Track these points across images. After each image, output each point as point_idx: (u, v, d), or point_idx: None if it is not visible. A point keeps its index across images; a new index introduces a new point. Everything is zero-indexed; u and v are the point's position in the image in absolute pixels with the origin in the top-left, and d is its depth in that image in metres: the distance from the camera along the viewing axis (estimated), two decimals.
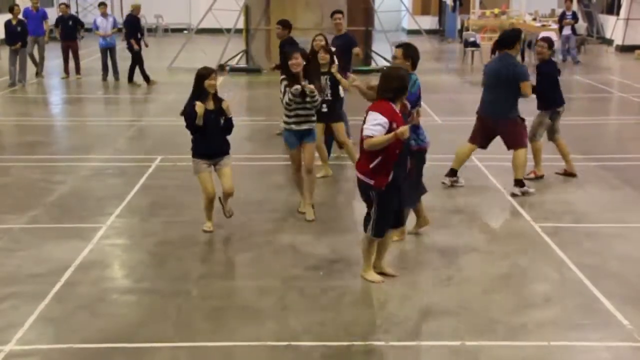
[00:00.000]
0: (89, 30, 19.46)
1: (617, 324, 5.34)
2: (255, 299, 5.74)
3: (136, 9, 16.87)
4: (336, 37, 10.88)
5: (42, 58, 17.69)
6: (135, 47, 16.47)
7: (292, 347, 5.00)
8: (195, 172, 7.13)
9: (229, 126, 7.08)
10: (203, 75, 6.86)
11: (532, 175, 8.93)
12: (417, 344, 5.10)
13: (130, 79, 16.83)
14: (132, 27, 16.79)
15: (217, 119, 6.95)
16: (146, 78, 16.71)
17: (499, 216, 7.98)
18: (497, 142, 9.26)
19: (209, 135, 6.95)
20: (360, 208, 7.03)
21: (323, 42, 8.61)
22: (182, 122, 7.00)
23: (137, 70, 16.71)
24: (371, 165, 5.69)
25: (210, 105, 6.92)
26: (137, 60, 16.63)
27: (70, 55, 17.69)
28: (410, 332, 5.28)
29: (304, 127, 7.47)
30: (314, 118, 7.56)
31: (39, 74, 17.70)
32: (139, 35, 16.70)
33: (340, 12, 11.23)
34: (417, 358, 4.97)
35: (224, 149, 7.12)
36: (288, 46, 9.37)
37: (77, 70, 17.84)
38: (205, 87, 6.85)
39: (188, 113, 6.89)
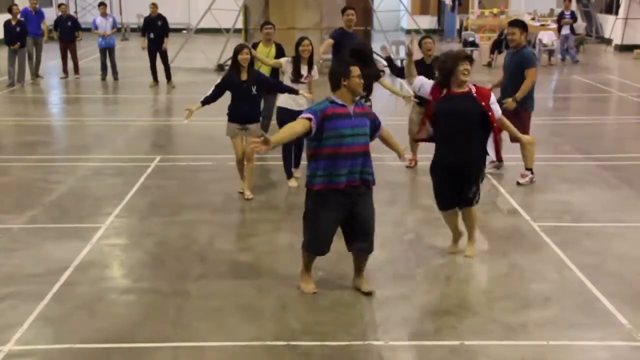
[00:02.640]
0: (87, 30, 19.43)
1: (616, 324, 5.34)
2: (255, 299, 5.74)
3: (153, 7, 16.56)
4: (347, 35, 9.72)
5: (38, 58, 17.58)
6: (165, 45, 16.30)
7: (291, 347, 5.00)
8: (227, 134, 8.15)
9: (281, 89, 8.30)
10: (237, 50, 7.85)
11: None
12: (417, 344, 5.09)
13: (168, 78, 16.75)
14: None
15: (249, 88, 7.92)
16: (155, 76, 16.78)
17: (498, 216, 7.97)
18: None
19: (242, 102, 7.99)
20: None
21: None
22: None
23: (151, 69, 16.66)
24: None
25: (244, 76, 7.90)
26: (159, 58, 16.52)
27: (69, 55, 17.68)
28: (410, 332, 5.28)
29: None
30: None
31: (37, 75, 17.65)
32: (151, 35, 16.33)
33: (353, 8, 10.06)
34: (417, 358, 4.97)
35: (254, 116, 8.13)
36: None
37: (76, 70, 17.84)
38: (239, 61, 7.80)
39: (222, 83, 8.05)
